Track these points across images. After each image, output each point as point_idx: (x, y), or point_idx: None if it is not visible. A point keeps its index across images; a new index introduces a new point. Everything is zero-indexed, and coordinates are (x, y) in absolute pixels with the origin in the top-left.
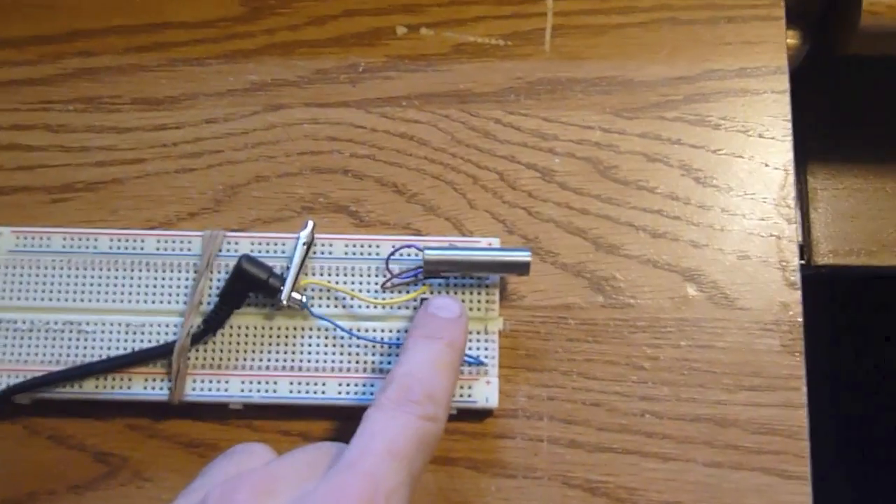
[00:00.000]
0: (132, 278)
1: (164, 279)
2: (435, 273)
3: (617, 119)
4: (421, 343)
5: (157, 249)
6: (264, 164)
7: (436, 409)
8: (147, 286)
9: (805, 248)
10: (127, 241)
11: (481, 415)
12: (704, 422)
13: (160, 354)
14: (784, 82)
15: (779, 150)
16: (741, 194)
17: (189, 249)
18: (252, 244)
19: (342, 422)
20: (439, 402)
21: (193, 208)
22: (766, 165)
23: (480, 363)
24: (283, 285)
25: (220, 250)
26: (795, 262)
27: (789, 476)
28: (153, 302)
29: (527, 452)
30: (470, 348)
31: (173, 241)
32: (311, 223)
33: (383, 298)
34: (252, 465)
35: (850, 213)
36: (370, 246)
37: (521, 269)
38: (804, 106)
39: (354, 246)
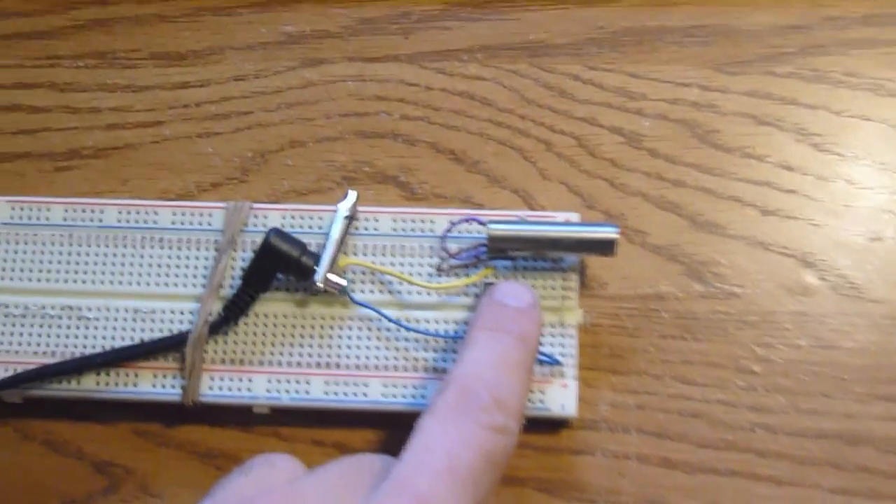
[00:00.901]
0: (143, 257)
1: (179, 258)
2: (501, 253)
3: (718, 75)
4: (486, 337)
5: (173, 223)
6: (300, 127)
7: (506, 418)
8: (160, 266)
9: None
10: (138, 213)
11: (556, 425)
12: (830, 438)
13: (172, 346)
14: None
15: None
16: (870, 163)
17: (210, 224)
18: (283, 218)
19: (388, 430)
20: (510, 410)
21: (217, 178)
22: None
23: (556, 362)
24: (319, 265)
25: (246, 225)
26: None
27: None
28: (166, 285)
29: (611, 473)
30: (543, 345)
31: (192, 214)
32: (353, 193)
33: (438, 283)
34: (274, 481)
35: None
36: (423, 221)
37: (606, 248)
38: None
39: (404, 221)
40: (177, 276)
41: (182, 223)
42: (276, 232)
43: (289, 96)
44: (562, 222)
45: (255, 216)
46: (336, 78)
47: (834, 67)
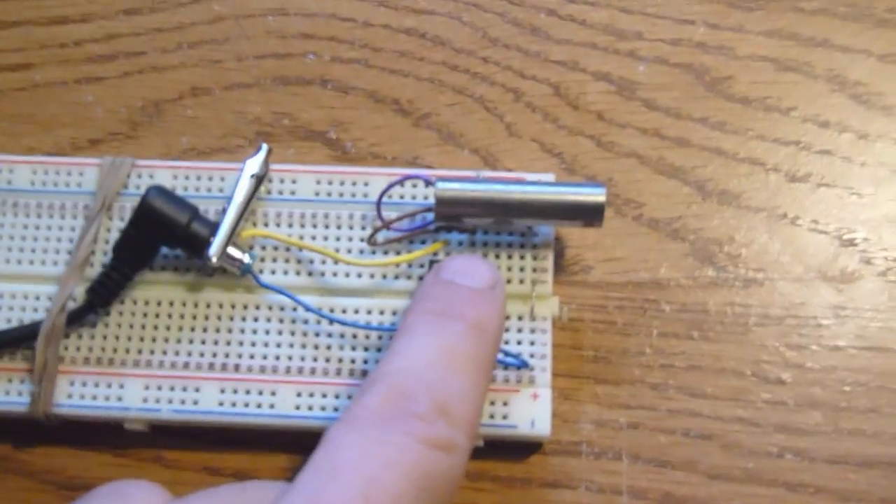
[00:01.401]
0: None
1: (38, 228)
2: (454, 220)
3: (731, 10)
4: (428, 323)
5: (32, 184)
6: (205, 71)
7: (451, 430)
8: (13, 238)
9: None
10: None
11: (524, 450)
12: (880, 467)
13: (20, 340)
14: None
15: None
16: None
17: (80, 185)
18: (175, 178)
19: (304, 454)
20: (458, 420)
21: (98, 133)
22: None
23: (524, 365)
24: (215, 235)
25: (127, 187)
26: None
27: None
28: (19, 262)
29: None
30: (507, 342)
31: (57, 173)
32: (264, 147)
33: (371, 260)
34: None
35: None
36: (354, 183)
37: (590, 215)
38: None
39: (330, 182)
40: (33, 251)
41: (44, 183)
42: (159, 191)
43: (192, 34)
44: (532, 181)
45: (140, 175)
46: (251, 12)
47: (876, 3)
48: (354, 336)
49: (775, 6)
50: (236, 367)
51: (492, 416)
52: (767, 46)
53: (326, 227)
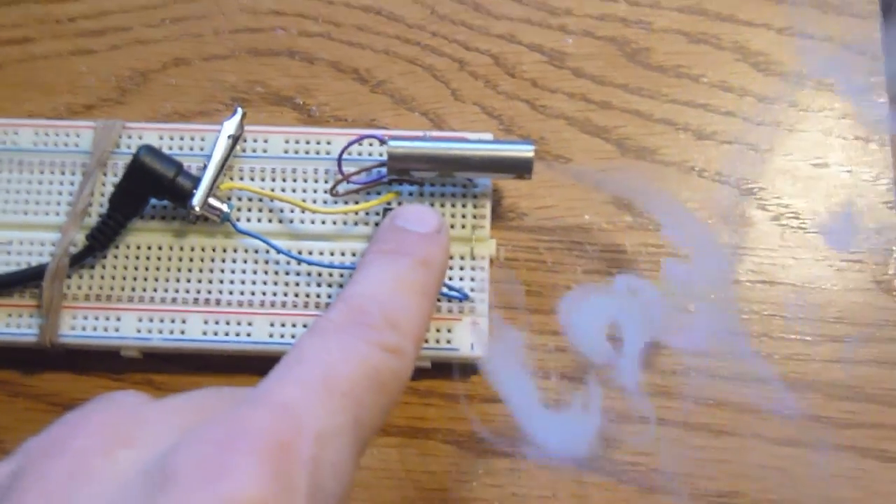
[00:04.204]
0: None
1: (41, 183)
2: (405, 174)
3: None
4: (383, 259)
5: (35, 144)
6: (186, 43)
7: (399, 338)
8: (18, 192)
9: None
10: None
11: (465, 370)
12: (771, 384)
13: (28, 280)
14: None
15: (863, 28)
16: (815, 85)
17: (77, 145)
18: (161, 138)
19: None
20: (405, 331)
21: (91, 99)
22: (847, 49)
23: (465, 297)
24: (197, 187)
25: (119, 146)
26: (890, 173)
27: (891, 458)
28: (25, 213)
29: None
30: (451, 278)
31: (56, 134)
32: (239, 110)
33: (334, 208)
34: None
35: None
36: (318, 142)
37: (521, 167)
38: None
39: (297, 142)
40: (37, 203)
41: (45, 144)
42: (148, 149)
43: (174, 10)
44: (472, 140)
45: (129, 136)
46: None
47: None
48: (319, 274)
49: None
50: (217, 302)
51: (438, 342)
52: (680, 21)
53: (294, 180)
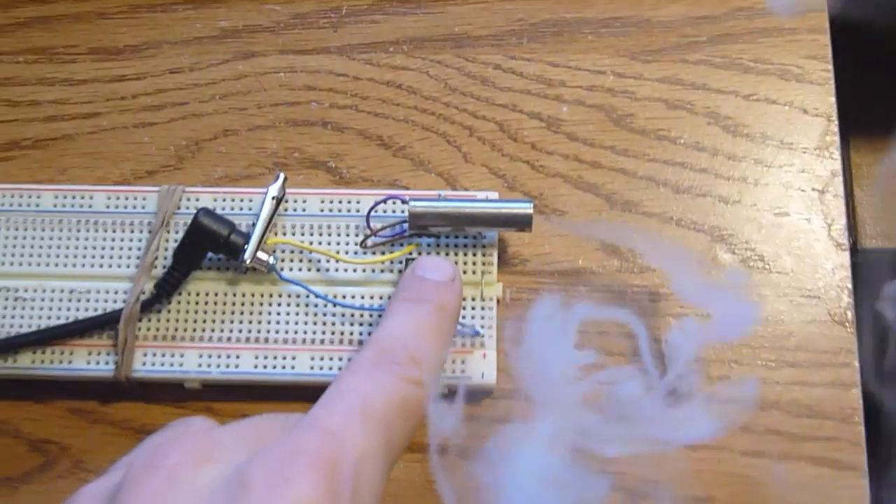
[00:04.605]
0: (78, 239)
1: (114, 240)
2: (423, 229)
3: (633, 63)
4: (406, 307)
5: (108, 207)
6: (233, 116)
7: (420, 371)
8: (95, 248)
9: (850, 231)
10: (73, 197)
11: (477, 396)
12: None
13: (106, 324)
14: (823, 19)
15: (819, 94)
16: (777, 144)
17: (143, 207)
18: (215, 200)
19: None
20: (425, 367)
21: (152, 166)
22: (805, 112)
23: (476, 333)
24: (248, 243)
25: (179, 208)
26: (842, 220)
27: (842, 466)
28: (101, 266)
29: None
30: (464, 317)
31: (126, 198)
32: (282, 175)
33: (363, 259)
34: (190, 432)
35: None
36: (349, 201)
37: (522, 222)
38: (847, 68)
39: (332, 201)
40: (111, 257)
41: (116, 206)
42: (206, 211)
43: (222, 87)
44: (480, 199)
45: (188, 199)
46: (268, 70)
47: (742, 55)
48: (352, 315)
49: (666, 59)
50: (266, 340)
51: (453, 371)
52: (660, 90)
53: (329, 234)
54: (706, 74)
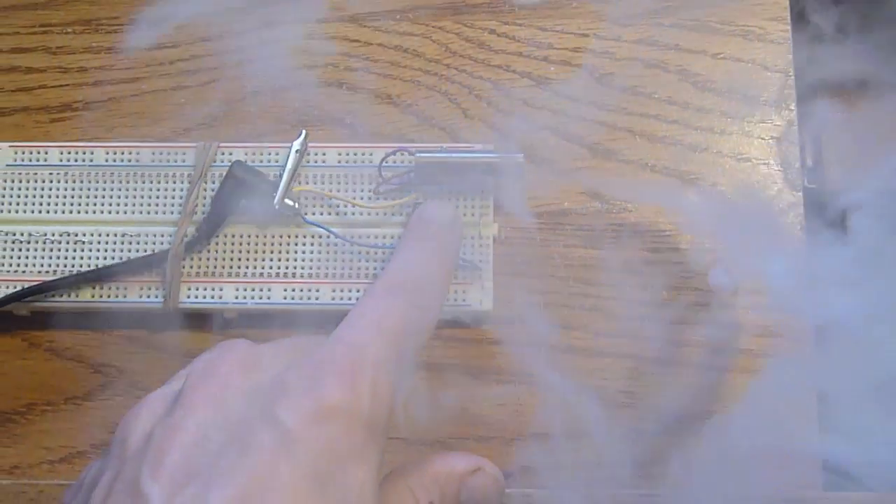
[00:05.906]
0: (128, 190)
1: (159, 190)
2: (427, 177)
3: (612, 26)
4: (413, 244)
5: (153, 161)
6: (260, 79)
7: (426, 299)
8: (142, 197)
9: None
10: (122, 153)
11: (477, 321)
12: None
13: (155, 263)
14: None
15: (779, 52)
16: (741, 97)
17: (184, 160)
18: (246, 154)
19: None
20: (430, 294)
21: (189, 124)
22: (766, 69)
23: (475, 267)
24: (276, 191)
25: (215, 161)
26: (797, 164)
27: None
28: (148, 213)
29: (524, 358)
30: (464, 254)
31: (168, 153)
32: (304, 132)
33: (376, 204)
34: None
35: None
36: (363, 154)
37: (514, 170)
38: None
39: (348, 154)
40: (157, 205)
41: (160, 161)
42: (239, 164)
43: (250, 53)
44: (478, 150)
45: (222, 153)
46: (289, 37)
47: (711, 18)
48: (367, 252)
49: (643, 22)
50: (293, 275)
51: (456, 301)
52: (637, 51)
53: (346, 182)
54: (678, 36)
